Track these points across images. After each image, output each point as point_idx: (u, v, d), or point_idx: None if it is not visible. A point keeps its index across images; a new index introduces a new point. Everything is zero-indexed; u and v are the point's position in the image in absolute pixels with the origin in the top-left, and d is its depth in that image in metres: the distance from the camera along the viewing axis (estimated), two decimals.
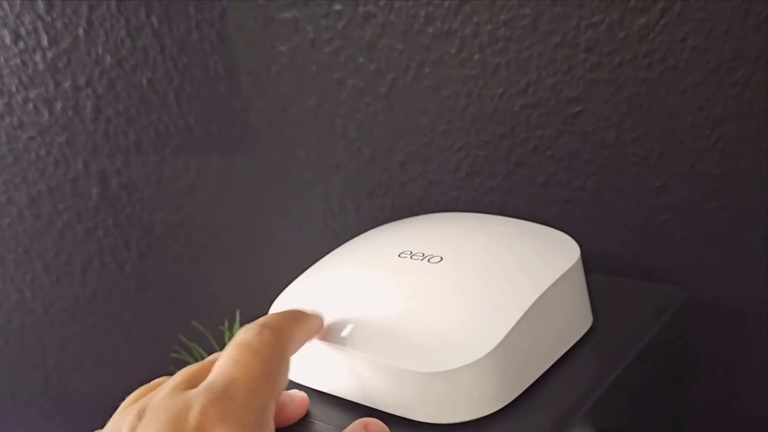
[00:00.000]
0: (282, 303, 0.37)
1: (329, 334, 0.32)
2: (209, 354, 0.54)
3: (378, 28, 0.51)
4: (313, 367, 0.33)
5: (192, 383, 0.26)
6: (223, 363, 0.25)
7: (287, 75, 0.55)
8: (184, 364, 0.53)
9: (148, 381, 0.30)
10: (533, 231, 0.40)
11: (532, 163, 0.49)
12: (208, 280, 0.65)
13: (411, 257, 0.35)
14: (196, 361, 0.54)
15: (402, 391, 0.30)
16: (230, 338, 0.52)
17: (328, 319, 0.33)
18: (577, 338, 0.35)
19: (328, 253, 0.57)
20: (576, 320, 0.35)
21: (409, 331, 0.31)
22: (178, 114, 0.60)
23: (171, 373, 0.29)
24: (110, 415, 0.28)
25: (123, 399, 0.29)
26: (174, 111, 0.60)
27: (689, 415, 0.48)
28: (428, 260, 0.35)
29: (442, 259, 0.35)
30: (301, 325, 0.29)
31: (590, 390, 0.31)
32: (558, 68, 0.46)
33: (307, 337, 0.30)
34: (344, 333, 0.32)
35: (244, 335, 0.26)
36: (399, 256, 0.36)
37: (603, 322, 0.37)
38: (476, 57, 0.48)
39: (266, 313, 0.32)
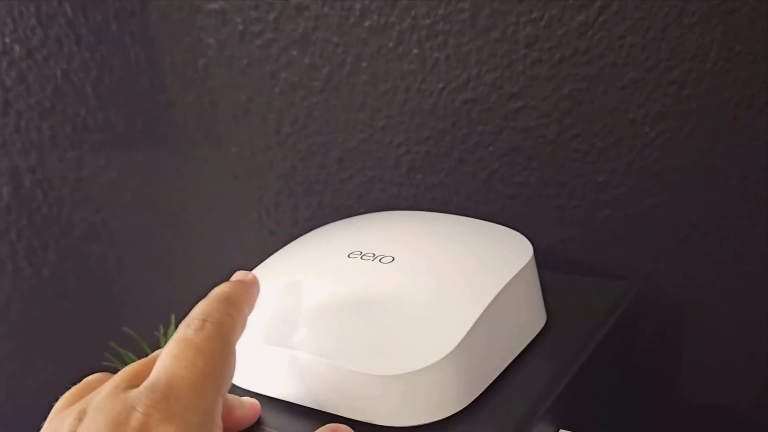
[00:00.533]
0: None
1: (280, 338, 0.31)
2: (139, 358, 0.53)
3: (312, 21, 0.49)
4: (264, 372, 0.32)
5: (133, 382, 0.25)
6: (165, 361, 0.24)
7: (216, 68, 0.52)
8: (116, 372, 0.52)
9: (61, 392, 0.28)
10: (484, 229, 0.39)
11: (473, 158, 0.48)
12: (136, 283, 0.63)
13: (361, 257, 0.34)
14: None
15: (360, 394, 0.29)
16: (165, 343, 0.50)
17: (278, 323, 0.32)
18: (533, 337, 0.35)
19: (263, 253, 0.56)
20: (531, 319, 0.35)
21: (365, 333, 0.30)
22: (97, 108, 0.57)
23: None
24: (33, 429, 0.26)
25: (54, 403, 0.27)
26: (92, 105, 0.57)
27: (639, 408, 0.49)
28: (379, 260, 0.34)
29: (393, 259, 0.34)
30: (240, 308, 0.28)
31: (549, 388, 0.31)
32: (498, 63, 0.45)
33: (250, 312, 0.29)
34: (296, 337, 0.31)
35: (185, 331, 0.25)
36: (348, 256, 0.35)
37: (556, 319, 0.37)
38: (415, 51, 0.47)
39: None
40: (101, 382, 0.26)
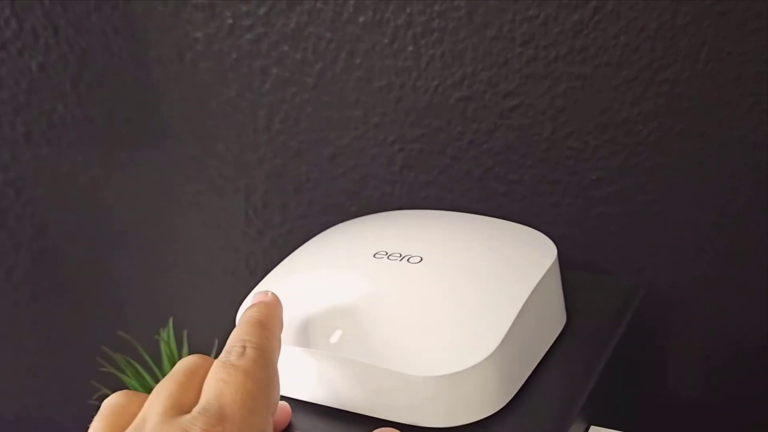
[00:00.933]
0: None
1: (314, 340, 0.30)
2: (139, 363, 0.51)
3: (304, 15, 0.48)
4: (297, 375, 0.31)
5: (181, 409, 0.25)
6: (214, 386, 0.25)
7: (204, 63, 0.51)
8: (112, 378, 0.50)
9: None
10: (505, 228, 0.39)
11: (468, 156, 0.48)
12: (119, 286, 0.61)
13: (388, 257, 0.34)
14: (124, 373, 0.51)
15: (402, 396, 0.29)
16: (168, 347, 0.49)
17: (309, 325, 0.31)
18: (557, 335, 0.35)
19: (251, 252, 0.56)
20: (556, 318, 0.36)
21: (404, 334, 0.30)
22: (75, 104, 0.55)
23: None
24: None
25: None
26: (71, 101, 0.55)
27: (637, 402, 0.50)
28: (407, 260, 0.33)
29: (421, 259, 0.33)
30: (273, 330, 0.28)
31: (580, 386, 0.32)
32: (494, 61, 0.45)
33: (281, 331, 0.30)
34: (333, 339, 0.30)
35: (228, 357, 0.26)
36: (374, 256, 0.34)
37: (574, 318, 0.37)
38: (410, 48, 0.47)
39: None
40: (130, 406, 0.26)
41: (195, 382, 0.25)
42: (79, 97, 0.55)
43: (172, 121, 0.54)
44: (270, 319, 0.29)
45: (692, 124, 0.43)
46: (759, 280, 0.45)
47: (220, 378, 0.25)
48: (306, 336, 0.31)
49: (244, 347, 0.26)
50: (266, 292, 0.30)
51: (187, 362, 0.26)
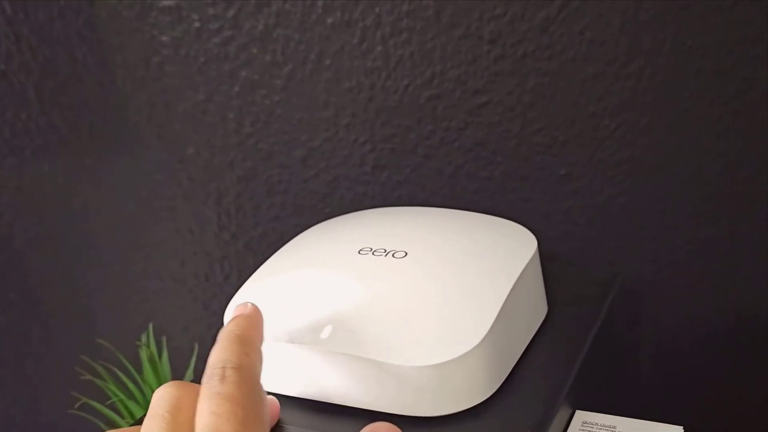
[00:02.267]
0: (234, 305, 0.34)
1: (301, 335, 0.31)
2: (120, 370, 0.50)
3: (272, 17, 0.47)
4: (285, 371, 0.31)
5: None
6: (205, 420, 0.24)
7: (170, 67, 0.50)
8: (92, 386, 0.49)
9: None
10: (485, 222, 0.40)
11: (439, 154, 0.48)
12: (90, 295, 0.60)
13: (372, 253, 0.34)
14: (105, 381, 0.49)
15: (392, 387, 0.29)
16: (149, 352, 0.48)
17: (296, 321, 0.31)
18: (539, 324, 0.36)
19: (224, 257, 0.55)
20: (538, 307, 0.36)
21: (392, 326, 0.30)
22: (39, 111, 0.53)
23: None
24: None
25: None
26: (34, 108, 0.53)
27: (617, 386, 0.50)
28: (392, 255, 0.34)
29: (406, 254, 0.34)
30: (253, 344, 0.28)
31: (565, 372, 0.33)
32: (462, 60, 0.46)
33: (261, 344, 0.29)
34: (323, 334, 0.30)
35: (210, 383, 0.25)
36: (359, 252, 0.35)
37: (555, 308, 0.38)
38: (379, 48, 0.47)
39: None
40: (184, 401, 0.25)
41: (182, 418, 0.25)
42: (42, 105, 0.53)
43: (140, 127, 0.53)
44: (249, 333, 0.28)
45: (656, 116, 0.44)
46: (724, 269, 0.46)
47: (210, 412, 0.24)
48: (296, 332, 0.31)
49: (224, 369, 0.25)
50: (246, 303, 0.30)
51: (167, 396, 0.25)
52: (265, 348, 0.29)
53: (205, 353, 0.28)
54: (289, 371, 0.31)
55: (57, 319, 0.61)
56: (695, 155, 0.44)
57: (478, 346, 0.29)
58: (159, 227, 0.56)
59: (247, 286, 0.36)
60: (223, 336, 0.28)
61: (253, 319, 0.29)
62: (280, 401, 0.31)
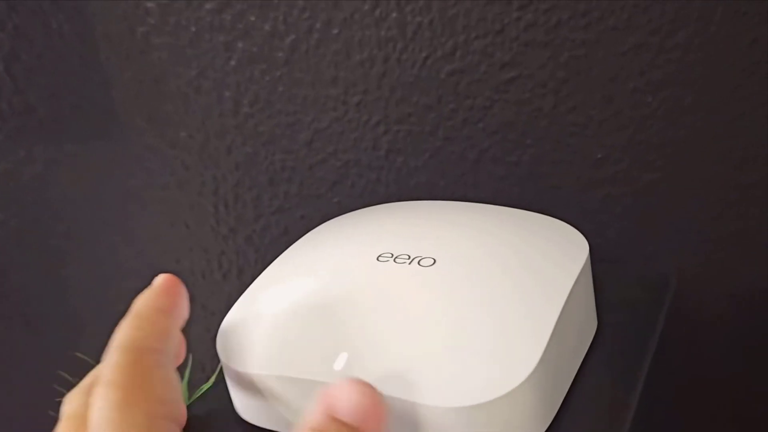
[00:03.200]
0: (228, 329, 0.30)
1: (313, 367, 0.27)
2: None
3: None
4: (294, 410, 0.27)
5: None
6: (89, 415, 0.23)
7: (158, 38, 0.47)
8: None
9: None
10: (527, 221, 0.35)
11: (461, 137, 0.45)
12: (71, 298, 0.57)
13: (394, 260, 0.30)
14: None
15: (424, 431, 0.25)
16: None
17: (307, 348, 0.27)
18: (590, 342, 0.32)
19: (221, 253, 0.53)
20: (589, 323, 0.32)
21: (423, 356, 0.26)
22: (12, 90, 0.51)
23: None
24: None
25: None
26: (7, 87, 0.50)
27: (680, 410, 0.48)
28: (418, 263, 0.29)
29: (435, 261, 0.29)
30: (150, 317, 0.26)
31: (626, 397, 0.29)
32: (489, 29, 0.42)
33: (176, 311, 0.27)
34: (337, 365, 0.26)
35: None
36: (378, 259, 0.30)
37: (603, 319, 0.34)
38: (394, 15, 0.43)
39: None
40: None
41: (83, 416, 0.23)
42: (15, 83, 0.51)
43: (125, 107, 0.51)
44: (146, 307, 0.26)
45: (705, 93, 0.41)
46: None
47: (91, 404, 0.23)
48: (302, 361, 0.27)
49: (113, 350, 0.24)
50: (159, 275, 0.28)
51: (73, 405, 0.24)
52: (263, 381, 0.26)
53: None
54: (295, 408, 0.27)
55: (36, 328, 0.59)
56: (747, 136, 0.41)
57: (529, 377, 0.25)
58: (149, 220, 0.54)
59: (242, 302, 0.32)
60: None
61: (159, 290, 0.27)
62: None
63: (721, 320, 0.45)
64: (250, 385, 0.28)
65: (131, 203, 0.54)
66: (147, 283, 0.55)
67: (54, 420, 0.50)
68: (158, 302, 0.26)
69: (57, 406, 0.50)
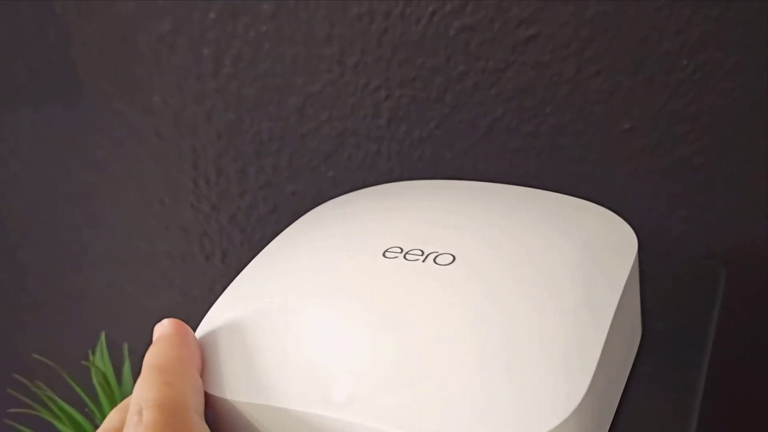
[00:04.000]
0: (200, 343, 0.27)
1: (308, 396, 0.23)
2: (63, 398, 0.45)
3: None
4: None
5: None
6: None
7: None
8: (30, 417, 0.45)
9: None
10: (566, 209, 0.31)
11: (472, 103, 0.43)
12: (28, 288, 0.55)
13: (404, 256, 0.26)
14: (50, 411, 0.44)
15: None
16: (101, 376, 0.43)
17: (299, 372, 0.24)
18: (635, 354, 0.28)
19: (203, 234, 0.51)
20: (635, 333, 0.29)
21: (442, 381, 0.22)
22: None
23: None
24: None
25: None
26: None
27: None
28: (434, 261, 0.26)
29: (454, 258, 0.26)
30: (177, 371, 0.25)
31: (683, 422, 0.26)
32: None
33: (198, 364, 0.26)
34: (337, 395, 0.23)
35: (128, 428, 0.24)
36: (385, 255, 0.26)
37: (648, 322, 0.30)
38: None
39: (144, 323, 0.29)
40: None
41: None
42: None
43: (88, 67, 0.48)
44: (170, 360, 0.26)
45: (747, 56, 0.39)
46: None
47: None
48: (292, 388, 0.23)
49: (140, 410, 0.24)
50: (163, 321, 0.27)
51: (107, 424, 0.25)
52: (247, 410, 0.24)
53: None
54: None
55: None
56: None
57: (575, 411, 0.21)
58: (119, 197, 0.52)
59: (217, 308, 0.28)
60: (143, 368, 0.26)
61: (173, 339, 0.27)
62: None
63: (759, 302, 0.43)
64: (228, 414, 0.25)
65: (97, 177, 0.52)
66: (117, 269, 0.53)
67: (10, 428, 0.47)
68: (182, 353, 0.26)
69: (14, 416, 0.47)
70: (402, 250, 0.26)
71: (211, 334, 0.27)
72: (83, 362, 0.43)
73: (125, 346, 0.47)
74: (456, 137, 0.44)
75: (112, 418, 0.25)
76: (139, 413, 0.23)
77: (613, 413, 0.25)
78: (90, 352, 0.44)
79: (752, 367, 0.44)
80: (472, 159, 0.44)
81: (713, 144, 0.41)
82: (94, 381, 0.43)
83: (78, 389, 0.44)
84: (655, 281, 0.33)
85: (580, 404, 0.21)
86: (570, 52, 0.41)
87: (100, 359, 0.44)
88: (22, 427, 0.45)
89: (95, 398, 0.44)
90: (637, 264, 0.28)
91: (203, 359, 0.26)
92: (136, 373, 0.45)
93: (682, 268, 0.38)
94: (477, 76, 0.42)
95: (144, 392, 0.24)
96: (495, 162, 0.44)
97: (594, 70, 0.41)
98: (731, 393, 0.41)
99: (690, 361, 0.28)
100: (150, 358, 0.26)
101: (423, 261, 0.26)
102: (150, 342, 0.27)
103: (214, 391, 0.24)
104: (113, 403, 0.43)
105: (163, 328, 0.27)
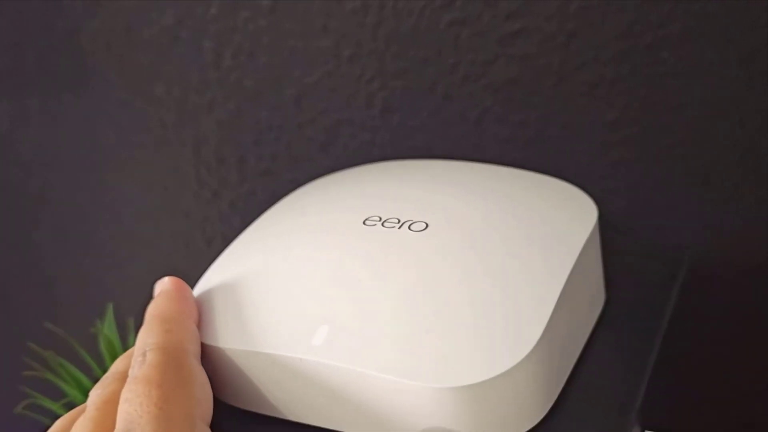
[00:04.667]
0: (198, 299, 0.29)
1: (289, 342, 0.25)
2: (72, 363, 0.47)
3: None
4: (269, 389, 0.26)
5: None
6: (120, 410, 0.24)
7: None
8: (42, 382, 0.46)
9: None
10: (527, 181, 0.33)
11: (462, 94, 0.43)
12: (41, 266, 0.56)
13: (382, 224, 0.28)
14: (59, 376, 0.45)
15: (413, 415, 0.23)
16: (108, 342, 0.44)
17: (282, 321, 0.26)
18: (597, 317, 0.30)
19: (204, 219, 0.51)
20: (596, 296, 0.30)
21: (410, 330, 0.24)
22: None
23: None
24: None
25: None
26: None
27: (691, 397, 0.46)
28: (408, 227, 0.28)
29: (427, 225, 0.28)
30: (178, 320, 0.27)
31: (635, 379, 0.27)
32: None
33: (196, 318, 0.28)
34: (316, 340, 0.25)
35: (130, 372, 0.25)
36: (365, 223, 0.29)
37: (612, 294, 0.32)
38: None
39: (148, 302, 0.29)
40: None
41: (110, 411, 0.24)
42: None
43: (96, 59, 0.48)
44: (170, 311, 0.27)
45: (725, 48, 0.39)
46: None
47: (124, 399, 0.23)
48: (277, 336, 0.25)
49: (144, 353, 0.25)
50: (163, 279, 0.29)
51: (99, 389, 0.25)
52: (234, 356, 0.26)
53: None
54: (270, 388, 0.26)
55: (1, 293, 0.58)
56: None
57: (528, 355, 0.23)
58: (125, 183, 0.52)
59: (214, 270, 0.30)
60: (145, 319, 0.27)
61: (173, 294, 0.28)
62: (260, 425, 0.26)
63: (736, 296, 0.43)
64: (221, 362, 0.26)
65: (104, 164, 0.52)
66: (122, 250, 0.54)
67: (22, 395, 0.49)
68: (181, 306, 0.27)
69: (28, 381, 0.49)
70: (380, 218, 0.29)
71: (207, 292, 0.28)
72: (91, 329, 0.45)
73: (131, 320, 0.48)
74: (447, 126, 0.44)
75: (118, 363, 0.26)
76: (143, 355, 0.24)
77: (571, 367, 0.27)
78: (98, 320, 0.46)
79: (704, 342, 0.45)
80: (463, 147, 0.44)
81: (695, 135, 0.41)
82: (102, 347, 0.44)
83: (85, 355, 0.45)
84: (626, 256, 0.35)
85: (533, 348, 0.23)
86: (556, 45, 0.41)
87: (107, 327, 0.45)
88: (35, 393, 0.46)
89: (102, 363, 0.45)
90: (597, 232, 0.30)
91: (200, 313, 0.27)
92: None
93: (652, 246, 0.40)
94: (467, 67, 0.43)
95: (147, 338, 0.25)
96: (485, 150, 0.44)
97: (580, 61, 0.41)
98: (683, 360, 0.42)
99: (647, 328, 0.30)
100: (152, 309, 0.27)
101: (399, 228, 0.28)
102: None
103: (209, 341, 0.26)
104: None
105: (164, 284, 0.28)
